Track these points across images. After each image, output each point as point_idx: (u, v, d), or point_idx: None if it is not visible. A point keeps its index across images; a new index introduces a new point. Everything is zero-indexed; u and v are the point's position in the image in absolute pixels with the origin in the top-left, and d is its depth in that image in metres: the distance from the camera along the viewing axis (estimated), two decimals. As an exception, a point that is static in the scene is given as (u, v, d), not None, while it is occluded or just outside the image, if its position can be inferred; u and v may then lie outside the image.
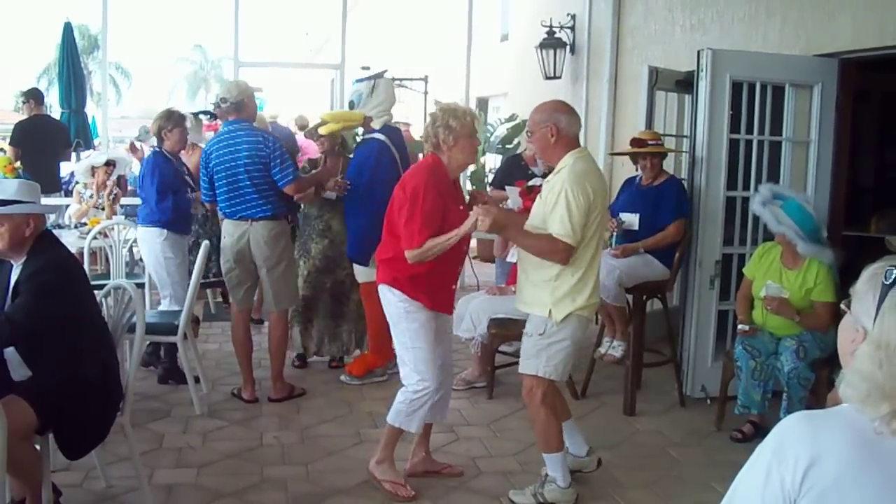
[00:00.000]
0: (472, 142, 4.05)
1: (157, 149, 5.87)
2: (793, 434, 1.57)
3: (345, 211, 5.84)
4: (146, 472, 4.06)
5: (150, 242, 5.78)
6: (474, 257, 10.20)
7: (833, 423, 1.57)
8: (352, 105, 5.80)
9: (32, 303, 3.28)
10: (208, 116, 6.85)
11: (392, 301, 4.05)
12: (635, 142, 5.68)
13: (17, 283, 3.37)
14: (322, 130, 5.82)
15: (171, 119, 5.81)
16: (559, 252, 3.74)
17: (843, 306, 1.68)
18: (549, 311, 3.84)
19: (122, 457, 4.19)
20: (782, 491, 1.53)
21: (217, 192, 5.33)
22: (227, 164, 5.22)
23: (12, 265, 3.45)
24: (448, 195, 3.99)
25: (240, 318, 5.52)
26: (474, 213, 3.77)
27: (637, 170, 5.82)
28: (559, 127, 3.85)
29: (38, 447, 3.37)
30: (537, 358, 3.89)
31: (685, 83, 6.14)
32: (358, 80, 5.90)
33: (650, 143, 5.57)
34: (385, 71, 6.02)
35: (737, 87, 5.48)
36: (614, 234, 5.57)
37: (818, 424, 1.57)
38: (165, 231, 5.74)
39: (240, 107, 5.27)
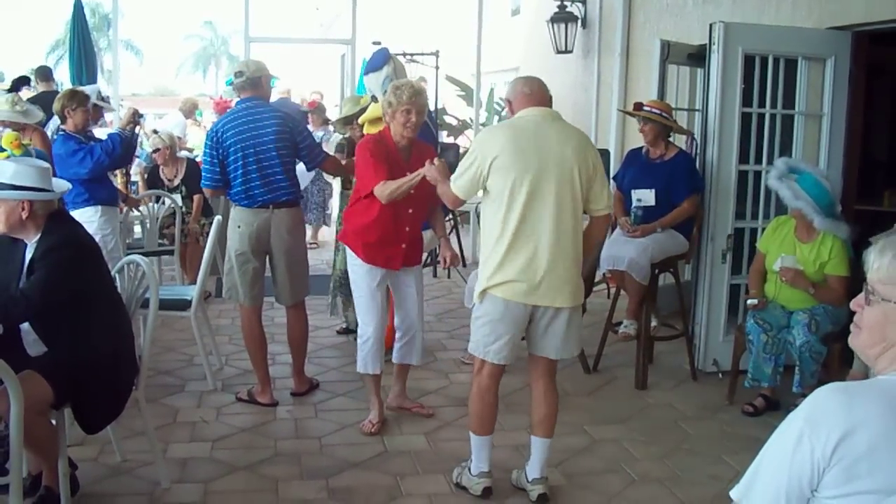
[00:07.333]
0: (407, 117, 4.37)
1: (62, 130, 5.77)
2: (828, 404, 1.57)
3: None
4: (161, 447, 4.11)
5: (86, 223, 5.35)
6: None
7: (869, 395, 1.58)
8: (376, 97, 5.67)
9: (47, 279, 3.31)
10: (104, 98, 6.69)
11: (348, 256, 4.67)
12: (637, 105, 5.67)
13: (31, 260, 3.39)
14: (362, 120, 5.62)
15: (75, 98, 5.77)
16: (444, 195, 3.92)
17: (871, 296, 1.67)
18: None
19: (137, 431, 4.23)
20: (811, 459, 1.54)
21: (233, 176, 4.83)
22: (251, 143, 4.78)
23: (26, 244, 3.47)
24: (389, 159, 4.39)
25: (254, 315, 5.07)
26: (423, 169, 4.08)
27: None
28: (510, 99, 3.83)
29: (54, 422, 3.42)
30: (471, 332, 3.89)
31: (697, 57, 6.10)
32: (370, 72, 5.83)
33: (646, 108, 5.54)
34: (384, 47, 6.00)
35: (749, 61, 5.43)
36: (635, 213, 5.50)
37: (854, 396, 1.58)
38: (100, 207, 5.75)
39: (256, 84, 4.93)
